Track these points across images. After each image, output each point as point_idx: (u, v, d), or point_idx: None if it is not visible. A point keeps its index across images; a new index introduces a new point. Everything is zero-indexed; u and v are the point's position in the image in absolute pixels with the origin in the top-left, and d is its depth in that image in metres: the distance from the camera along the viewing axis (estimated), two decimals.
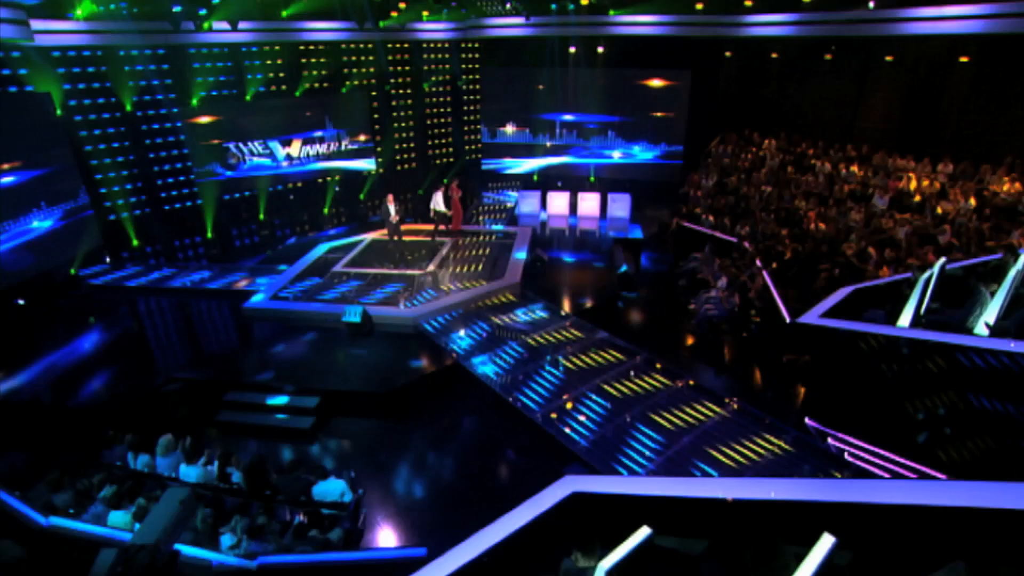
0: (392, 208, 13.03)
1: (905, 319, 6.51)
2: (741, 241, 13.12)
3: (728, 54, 17.03)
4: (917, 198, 11.62)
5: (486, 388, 8.54)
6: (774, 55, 16.08)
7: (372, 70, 18.84)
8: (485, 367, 8.94)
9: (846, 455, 7.04)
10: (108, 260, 14.69)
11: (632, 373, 8.73)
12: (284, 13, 16.90)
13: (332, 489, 5.97)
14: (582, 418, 7.71)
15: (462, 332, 10.02)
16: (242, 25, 16.04)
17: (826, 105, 15.00)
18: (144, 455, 6.73)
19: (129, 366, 9.74)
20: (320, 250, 14.40)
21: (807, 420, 7.68)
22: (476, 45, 19.51)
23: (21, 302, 12.16)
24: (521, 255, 12.91)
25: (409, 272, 12.44)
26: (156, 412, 8.54)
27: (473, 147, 20.98)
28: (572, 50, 18.29)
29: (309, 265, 13.37)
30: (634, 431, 7.42)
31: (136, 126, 15.49)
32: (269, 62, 17.42)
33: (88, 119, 14.48)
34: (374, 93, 19.30)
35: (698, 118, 18.02)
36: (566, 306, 11.11)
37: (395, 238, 13.47)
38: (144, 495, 6.12)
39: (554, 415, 7.73)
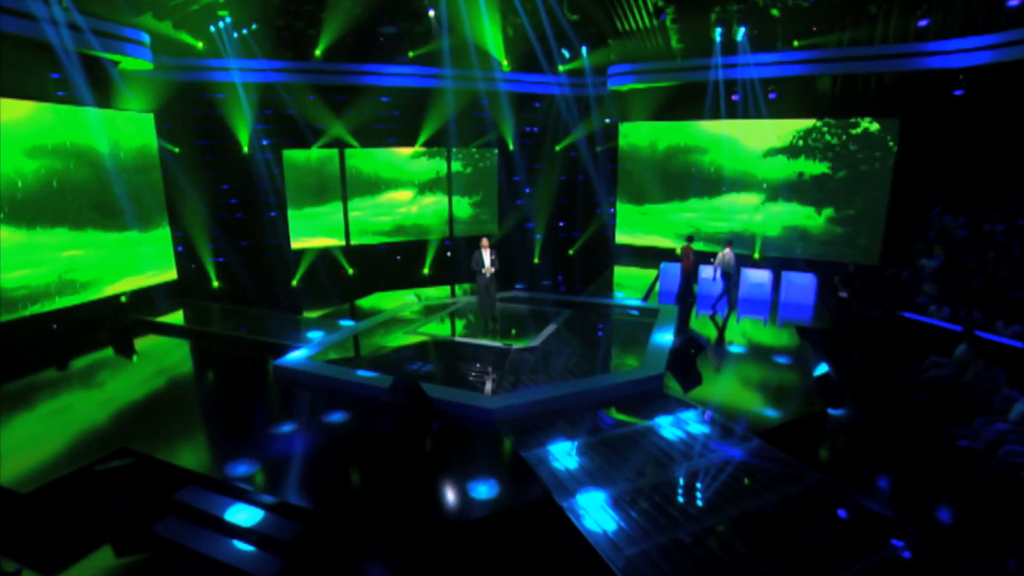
0: (487, 257, 9.79)
1: None
2: None
3: (958, 93, 12.58)
4: None
5: (594, 554, 4.50)
6: None
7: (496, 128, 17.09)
8: (595, 514, 4.94)
9: None
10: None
11: (878, 561, 4.27)
12: (411, 54, 15.69)
13: None
14: None
15: (566, 447, 6.12)
16: (362, 67, 14.97)
17: None
18: None
19: (90, 423, 7.04)
20: (398, 305, 11.70)
21: None
22: (615, 95, 16.78)
23: (55, 327, 10.48)
24: (666, 338, 8.96)
25: (500, 345, 9.01)
26: (75, 504, 5.56)
27: (607, 214, 17.92)
28: (735, 98, 14.85)
29: (378, 323, 10.49)
30: None
31: (243, 167, 14.71)
32: (398, 113, 16.32)
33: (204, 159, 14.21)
34: (497, 151, 17.48)
35: (908, 180, 13.40)
36: (738, 418, 6.82)
37: (484, 299, 10.10)
38: None
39: None
